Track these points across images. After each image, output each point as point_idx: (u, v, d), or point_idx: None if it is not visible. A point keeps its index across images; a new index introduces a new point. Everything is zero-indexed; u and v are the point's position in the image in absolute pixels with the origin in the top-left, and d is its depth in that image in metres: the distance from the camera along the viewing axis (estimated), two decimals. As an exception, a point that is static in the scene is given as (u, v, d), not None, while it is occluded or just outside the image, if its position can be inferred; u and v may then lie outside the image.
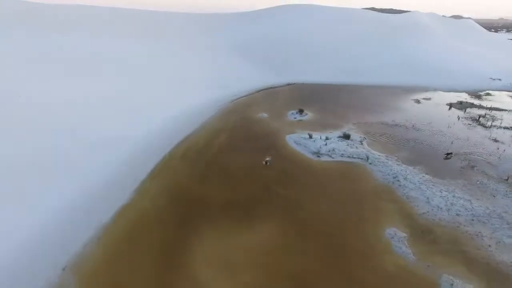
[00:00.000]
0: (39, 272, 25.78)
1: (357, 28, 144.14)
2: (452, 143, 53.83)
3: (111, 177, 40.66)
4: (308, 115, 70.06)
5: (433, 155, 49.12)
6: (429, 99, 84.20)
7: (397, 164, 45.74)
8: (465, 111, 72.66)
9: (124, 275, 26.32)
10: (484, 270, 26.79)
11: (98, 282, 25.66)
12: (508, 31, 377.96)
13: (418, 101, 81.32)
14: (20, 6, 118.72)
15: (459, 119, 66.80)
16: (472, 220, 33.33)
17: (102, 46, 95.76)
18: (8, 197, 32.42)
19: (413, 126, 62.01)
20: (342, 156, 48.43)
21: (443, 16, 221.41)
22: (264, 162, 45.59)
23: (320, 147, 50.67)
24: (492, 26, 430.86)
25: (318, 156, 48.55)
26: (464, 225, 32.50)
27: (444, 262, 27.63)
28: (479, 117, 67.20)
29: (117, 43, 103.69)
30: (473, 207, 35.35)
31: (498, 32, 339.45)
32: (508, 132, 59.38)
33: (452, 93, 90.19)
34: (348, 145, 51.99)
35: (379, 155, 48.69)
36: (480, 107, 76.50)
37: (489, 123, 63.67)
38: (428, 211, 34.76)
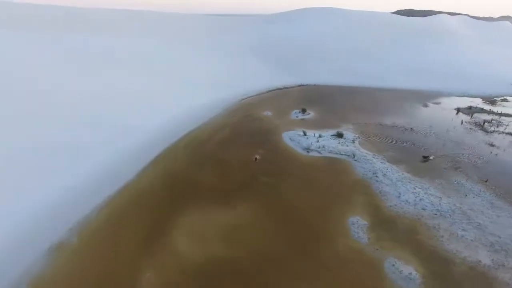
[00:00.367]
0: (49, 230, 32.02)
1: (377, 32, 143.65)
2: (444, 145, 54.97)
3: (122, 159, 46.93)
4: (311, 115, 73.30)
5: (419, 156, 50.75)
6: (439, 103, 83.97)
7: (381, 162, 48.17)
8: (471, 116, 72.29)
9: (119, 237, 31.90)
10: (428, 256, 29.42)
11: (96, 240, 31.44)
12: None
13: (426, 105, 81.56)
14: (56, 10, 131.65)
15: (462, 123, 66.95)
16: (435, 214, 35.58)
17: (126, 46, 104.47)
18: (41, 168, 39.50)
19: (411, 128, 63.37)
20: (330, 153, 51.59)
21: (475, 18, 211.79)
22: (253, 159, 49.36)
23: (311, 144, 54.07)
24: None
25: (308, 152, 52.05)
26: (426, 218, 34.90)
27: (393, 247, 30.54)
28: (484, 122, 66.90)
29: (140, 43, 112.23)
30: (440, 203, 37.44)
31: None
32: (508, 137, 59.08)
33: (465, 98, 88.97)
34: (339, 143, 54.93)
35: (366, 153, 51.27)
36: (490, 112, 75.48)
37: (492, 128, 63.44)
38: (395, 205, 37.40)
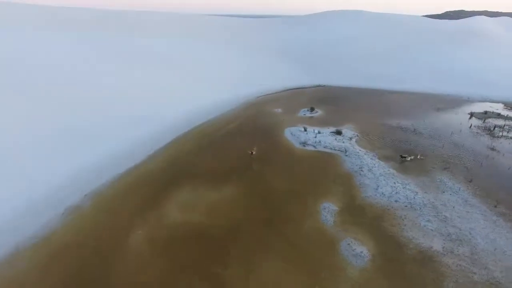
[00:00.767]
0: (71, 194, 39.12)
1: (404, 35, 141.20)
2: (442, 147, 55.71)
3: (138, 144, 53.76)
4: (318, 113, 76.31)
5: (412, 155, 52.20)
6: (454, 107, 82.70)
7: (371, 159, 50.57)
8: (484, 121, 71.04)
9: (122, 204, 38.24)
10: (384, 240, 32.27)
11: (104, 205, 38.00)
12: None
13: (438, 109, 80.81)
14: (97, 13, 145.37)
15: (470, 127, 66.38)
16: (406, 206, 37.92)
17: (155, 45, 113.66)
18: (70, 145, 47.41)
19: (414, 129, 64.30)
20: (324, 147, 54.79)
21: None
22: (250, 152, 52.58)
23: (309, 139, 57.56)
24: None
25: (304, 146, 55.65)
26: (395, 209, 37.41)
27: (354, 230, 33.72)
28: (494, 128, 65.81)
29: (168, 42, 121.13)
30: (414, 197, 39.59)
31: None
32: (515, 143, 58.21)
33: (485, 103, 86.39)
34: (336, 139, 57.81)
35: (359, 150, 53.79)
36: (507, 118, 73.38)
37: (500, 134, 62.46)
38: (370, 196, 40.17)
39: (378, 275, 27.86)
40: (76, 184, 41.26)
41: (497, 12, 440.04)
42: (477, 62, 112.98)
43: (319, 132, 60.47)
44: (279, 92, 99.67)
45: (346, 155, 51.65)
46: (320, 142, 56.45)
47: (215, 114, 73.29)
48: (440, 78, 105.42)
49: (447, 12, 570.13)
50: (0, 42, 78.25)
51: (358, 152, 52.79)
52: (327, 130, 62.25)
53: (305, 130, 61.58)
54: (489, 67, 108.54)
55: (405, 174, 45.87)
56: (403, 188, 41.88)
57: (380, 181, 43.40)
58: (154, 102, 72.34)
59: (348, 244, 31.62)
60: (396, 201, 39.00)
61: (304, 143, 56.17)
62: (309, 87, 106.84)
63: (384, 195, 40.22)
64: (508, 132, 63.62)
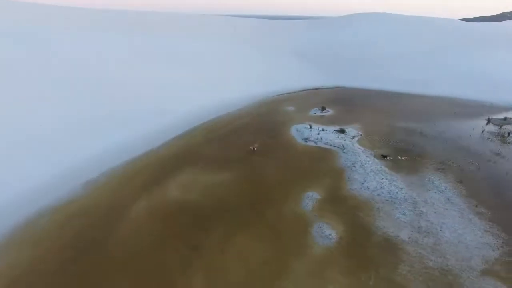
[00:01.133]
0: (90, 171, 45.96)
1: (432, 38, 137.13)
2: (443, 149, 56.09)
3: (154, 133, 60.18)
4: (329, 113, 78.62)
5: (409, 155, 53.37)
6: (472, 112, 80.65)
7: (367, 156, 52.63)
8: (500, 127, 69.18)
9: (131, 181, 44.33)
10: (355, 226, 35.05)
11: (116, 180, 44.29)
12: None
13: (455, 113, 79.41)
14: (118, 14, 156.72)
15: (482, 132, 65.32)
16: (387, 200, 40.10)
17: (178, 45, 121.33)
18: (97, 130, 54.86)
19: (421, 132, 64.71)
20: (325, 144, 57.58)
21: None
22: (251, 148, 55.70)
23: (311, 135, 60.58)
24: None
25: (305, 141, 58.82)
26: (375, 202, 39.77)
27: (330, 216, 36.80)
28: (508, 134, 64.23)
29: (191, 43, 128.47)
30: (397, 193, 41.55)
31: None
32: (525, 150, 56.88)
33: (509, 110, 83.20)
34: (337, 137, 60.26)
35: (358, 148, 55.93)
36: (527, 125, 70.79)
37: (512, 140, 61.14)
38: (355, 188, 42.76)
39: (339, 254, 30.93)
40: (96, 163, 48.12)
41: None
42: (508, 67, 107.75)
43: (322, 130, 63.17)
44: (296, 92, 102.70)
45: (344, 152, 54.11)
46: (321, 138, 59.25)
47: (229, 109, 78.28)
48: (464, 83, 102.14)
49: (503, 13, 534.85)
50: (70, 44, 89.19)
51: (356, 150, 54.97)
52: (332, 128, 64.69)
53: (310, 127, 64.53)
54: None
55: (395, 172, 47.59)
56: (389, 184, 43.87)
57: (369, 177, 45.65)
58: (172, 97, 78.92)
59: (320, 227, 34.84)
60: (378, 195, 41.25)
61: (306, 139, 59.30)
62: (326, 88, 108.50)
63: (369, 188, 42.58)
64: (522, 138, 61.92)
